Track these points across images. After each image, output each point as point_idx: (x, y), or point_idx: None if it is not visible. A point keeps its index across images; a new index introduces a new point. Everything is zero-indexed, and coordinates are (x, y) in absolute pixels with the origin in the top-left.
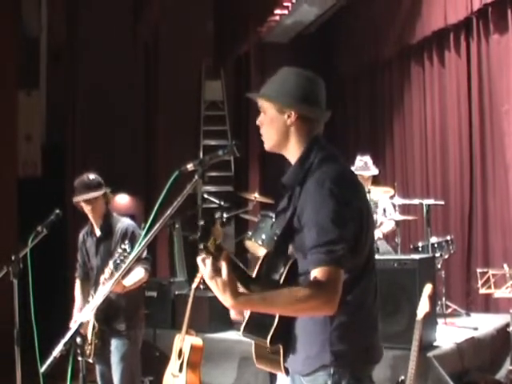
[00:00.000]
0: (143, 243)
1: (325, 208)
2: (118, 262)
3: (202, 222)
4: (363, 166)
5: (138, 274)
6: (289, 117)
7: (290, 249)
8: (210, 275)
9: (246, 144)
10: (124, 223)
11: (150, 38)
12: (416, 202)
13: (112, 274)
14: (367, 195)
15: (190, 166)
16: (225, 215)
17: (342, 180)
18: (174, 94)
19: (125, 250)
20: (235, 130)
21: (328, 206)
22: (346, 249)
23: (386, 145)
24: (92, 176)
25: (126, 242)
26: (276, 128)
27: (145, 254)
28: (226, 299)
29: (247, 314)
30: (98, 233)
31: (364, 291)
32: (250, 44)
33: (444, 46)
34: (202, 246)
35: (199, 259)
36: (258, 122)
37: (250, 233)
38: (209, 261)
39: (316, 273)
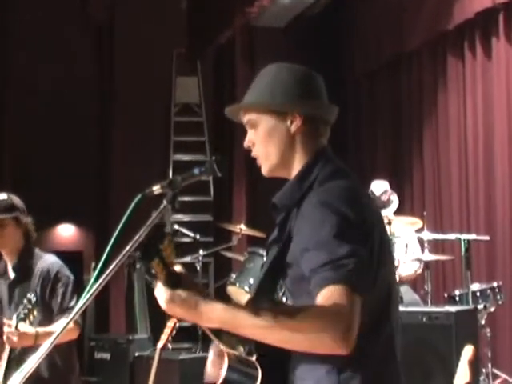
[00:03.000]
0: (93, 290)
1: (326, 225)
2: (22, 316)
3: (184, 240)
4: (389, 199)
5: (62, 326)
6: (292, 122)
7: (282, 291)
8: (167, 298)
9: (230, 160)
10: (46, 262)
11: (105, 22)
12: (452, 237)
13: (12, 334)
14: (387, 227)
15: (156, 189)
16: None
17: (349, 198)
18: (135, 94)
19: (29, 300)
20: (216, 142)
21: (330, 222)
22: (359, 264)
23: (412, 162)
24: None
25: (38, 289)
26: (278, 141)
27: (72, 302)
28: (200, 315)
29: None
30: (11, 274)
31: (385, 346)
32: (236, 29)
33: (491, 31)
34: (144, 270)
35: (156, 291)
36: (246, 144)
37: (233, 276)
38: (161, 286)
39: (321, 296)
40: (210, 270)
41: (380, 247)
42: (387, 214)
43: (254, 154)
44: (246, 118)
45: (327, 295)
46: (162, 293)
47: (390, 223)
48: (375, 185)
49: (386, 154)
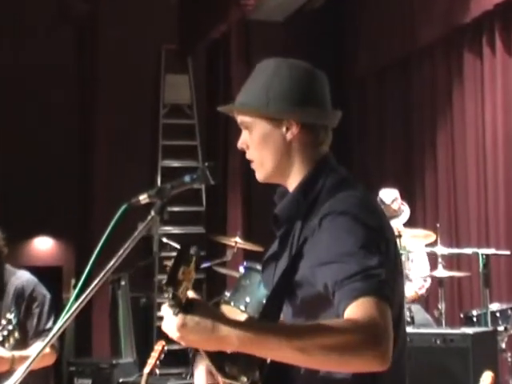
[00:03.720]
0: (73, 310)
1: (350, 235)
2: (1, 338)
3: (173, 254)
4: (400, 207)
5: (38, 350)
6: (288, 129)
7: (286, 314)
8: (179, 324)
9: (225, 166)
10: (20, 279)
11: (86, 17)
12: (468, 251)
13: None
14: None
15: (143, 198)
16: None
17: (367, 207)
18: (120, 94)
19: (9, 321)
20: (209, 146)
21: (355, 231)
22: (390, 276)
23: (425, 170)
24: None
25: (13, 309)
26: (273, 148)
27: (49, 323)
28: (219, 338)
29: None
30: None
31: (393, 370)
32: (231, 23)
33: None
34: (169, 293)
35: (165, 307)
36: (240, 145)
37: (227, 294)
38: (176, 315)
39: (351, 311)
40: (201, 288)
41: (395, 261)
42: (397, 225)
43: (248, 156)
44: (240, 119)
45: (360, 308)
46: (171, 319)
47: (400, 236)
48: (384, 193)
49: (395, 161)
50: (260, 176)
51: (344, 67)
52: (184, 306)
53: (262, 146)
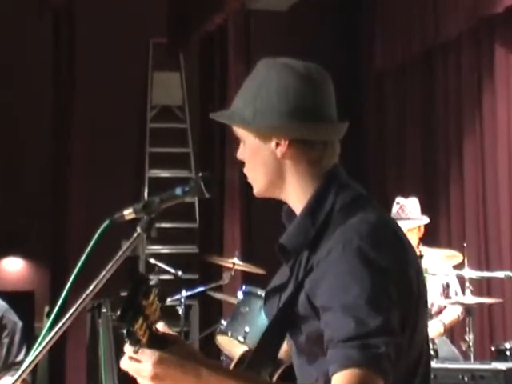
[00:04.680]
0: (46, 341)
1: (356, 282)
2: None
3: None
4: (398, 212)
5: None
6: (278, 145)
7: (285, 348)
8: (154, 361)
9: (221, 177)
10: None
11: (63, 8)
12: (500, 274)
13: None
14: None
15: (127, 213)
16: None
17: (379, 236)
18: (102, 94)
19: None
20: (203, 154)
21: (361, 278)
22: (391, 346)
23: (449, 180)
24: None
25: None
26: (262, 163)
27: (21, 355)
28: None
29: None
30: None
31: None
32: (228, 13)
33: None
34: (124, 331)
35: (127, 348)
36: (239, 156)
37: (224, 323)
38: (136, 353)
39: (339, 379)
40: (194, 315)
41: (418, 299)
42: (408, 225)
43: (244, 170)
44: (234, 129)
45: (348, 380)
46: (146, 356)
47: (421, 257)
48: (398, 201)
49: (415, 169)
50: (255, 191)
51: (358, 63)
52: (152, 341)
53: (253, 161)
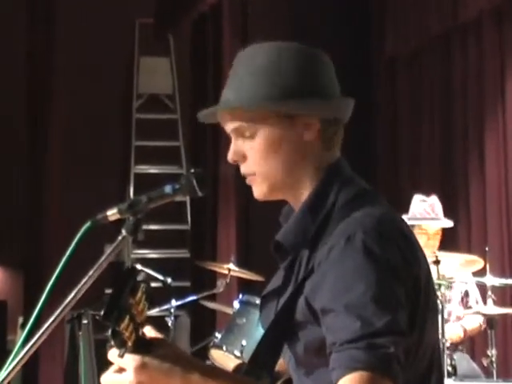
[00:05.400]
0: (21, 356)
1: (360, 279)
2: None
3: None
4: (426, 211)
5: None
6: (307, 128)
7: (285, 358)
8: (136, 366)
9: (215, 174)
10: None
11: None
12: None
13: None
14: (433, 268)
15: (111, 213)
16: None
17: (384, 231)
18: (81, 81)
19: None
20: (195, 148)
21: (365, 275)
22: (400, 347)
23: (469, 177)
24: None
25: None
26: (285, 155)
27: None
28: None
29: None
30: None
31: None
32: None
33: None
34: (109, 332)
35: (111, 355)
36: (233, 157)
37: (218, 335)
38: (122, 357)
39: (345, 383)
40: (185, 327)
41: (426, 299)
42: (435, 225)
43: (245, 170)
44: (234, 124)
45: (354, 382)
46: (128, 363)
47: (437, 262)
48: (420, 199)
49: (431, 165)
50: (261, 192)
51: (368, 47)
52: (137, 346)
53: (270, 155)
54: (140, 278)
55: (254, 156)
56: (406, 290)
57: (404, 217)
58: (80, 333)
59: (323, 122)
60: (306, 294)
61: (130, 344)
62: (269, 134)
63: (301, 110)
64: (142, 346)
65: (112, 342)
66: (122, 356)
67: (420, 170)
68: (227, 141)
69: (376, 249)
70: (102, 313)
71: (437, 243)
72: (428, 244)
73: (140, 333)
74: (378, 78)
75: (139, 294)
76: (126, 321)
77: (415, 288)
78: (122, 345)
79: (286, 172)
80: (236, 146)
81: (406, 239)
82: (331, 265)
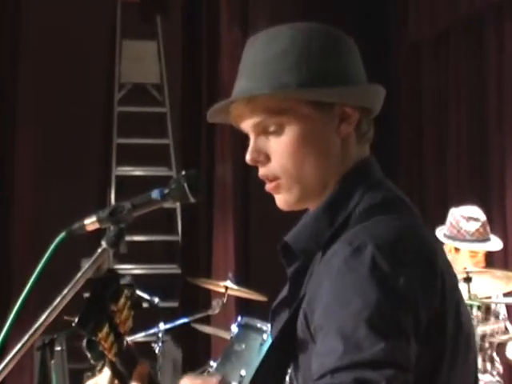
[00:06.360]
0: None
1: (359, 296)
2: None
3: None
4: (479, 231)
5: None
6: (344, 119)
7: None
8: None
9: (210, 177)
10: None
11: None
12: None
13: None
14: (462, 287)
15: (90, 222)
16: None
17: (402, 248)
18: (54, 69)
19: None
20: (187, 147)
21: (366, 293)
22: (395, 382)
23: (505, 181)
24: None
25: None
26: (320, 153)
27: None
28: None
29: None
30: None
31: None
32: None
33: None
34: (84, 343)
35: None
36: (254, 157)
37: (213, 364)
38: (100, 372)
39: None
40: (174, 355)
41: (456, 337)
42: (485, 248)
43: (266, 173)
44: (255, 119)
45: None
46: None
47: (469, 280)
48: (461, 213)
49: (459, 166)
50: (289, 200)
51: (387, 30)
52: (120, 360)
53: (301, 154)
54: (124, 281)
55: (281, 155)
56: (418, 320)
57: (441, 232)
58: (52, 361)
59: (361, 113)
60: (304, 306)
61: (109, 357)
62: (300, 128)
63: (340, 98)
64: (125, 360)
65: (88, 354)
66: (100, 371)
67: (447, 173)
68: (224, 138)
69: (385, 267)
70: (76, 319)
71: (484, 263)
72: (477, 265)
73: (124, 345)
74: (399, 65)
75: (122, 300)
76: (105, 330)
77: (439, 326)
78: (99, 357)
79: (321, 174)
80: (257, 145)
81: (428, 262)
82: (330, 274)
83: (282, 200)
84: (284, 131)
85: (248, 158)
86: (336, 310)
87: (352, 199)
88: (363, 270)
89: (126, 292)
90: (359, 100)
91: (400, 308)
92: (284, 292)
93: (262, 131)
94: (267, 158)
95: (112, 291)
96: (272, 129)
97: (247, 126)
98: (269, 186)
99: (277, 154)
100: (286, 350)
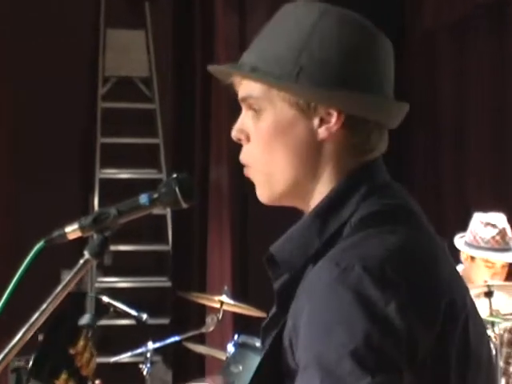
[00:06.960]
0: None
1: (345, 327)
2: None
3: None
4: (495, 239)
5: None
6: (324, 120)
7: None
8: None
9: (204, 180)
10: None
11: None
12: None
13: None
14: (482, 302)
15: (71, 230)
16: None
17: (393, 271)
18: (33, 61)
19: None
20: (178, 147)
21: (352, 323)
22: None
23: None
24: None
25: None
26: (291, 148)
27: None
28: None
29: None
30: None
31: None
32: None
33: None
34: None
35: None
36: (236, 133)
37: None
38: None
39: None
40: (164, 376)
41: (463, 354)
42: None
43: (244, 157)
44: (242, 92)
45: None
46: None
47: (490, 294)
48: (483, 219)
49: (478, 165)
50: (265, 194)
51: (400, 15)
52: None
53: (273, 142)
54: (83, 321)
55: (256, 138)
56: (412, 348)
57: (460, 238)
58: None
59: (348, 120)
60: (289, 330)
61: None
62: (275, 116)
63: (313, 97)
64: None
65: None
66: None
67: (466, 174)
68: (220, 137)
69: (373, 292)
70: (29, 367)
71: (503, 276)
72: (494, 277)
73: None
74: (412, 54)
75: (81, 342)
76: (63, 376)
77: (437, 347)
78: None
79: (292, 171)
80: (241, 120)
81: (426, 281)
82: (312, 298)
83: (258, 192)
84: (262, 116)
85: (233, 133)
86: (317, 340)
87: (346, 207)
88: (347, 295)
89: (85, 333)
90: (348, 106)
91: (389, 337)
92: (273, 308)
93: (248, 107)
94: (247, 139)
95: (69, 332)
96: (255, 107)
97: (240, 95)
98: (245, 170)
99: (254, 138)
100: (271, 376)
